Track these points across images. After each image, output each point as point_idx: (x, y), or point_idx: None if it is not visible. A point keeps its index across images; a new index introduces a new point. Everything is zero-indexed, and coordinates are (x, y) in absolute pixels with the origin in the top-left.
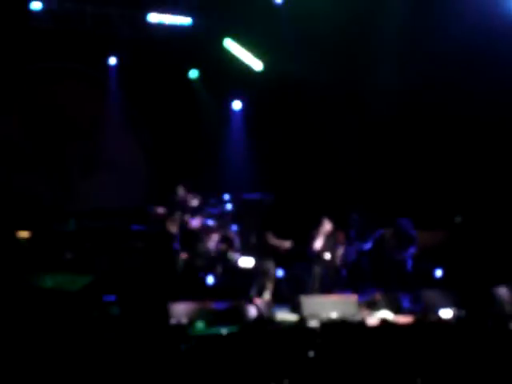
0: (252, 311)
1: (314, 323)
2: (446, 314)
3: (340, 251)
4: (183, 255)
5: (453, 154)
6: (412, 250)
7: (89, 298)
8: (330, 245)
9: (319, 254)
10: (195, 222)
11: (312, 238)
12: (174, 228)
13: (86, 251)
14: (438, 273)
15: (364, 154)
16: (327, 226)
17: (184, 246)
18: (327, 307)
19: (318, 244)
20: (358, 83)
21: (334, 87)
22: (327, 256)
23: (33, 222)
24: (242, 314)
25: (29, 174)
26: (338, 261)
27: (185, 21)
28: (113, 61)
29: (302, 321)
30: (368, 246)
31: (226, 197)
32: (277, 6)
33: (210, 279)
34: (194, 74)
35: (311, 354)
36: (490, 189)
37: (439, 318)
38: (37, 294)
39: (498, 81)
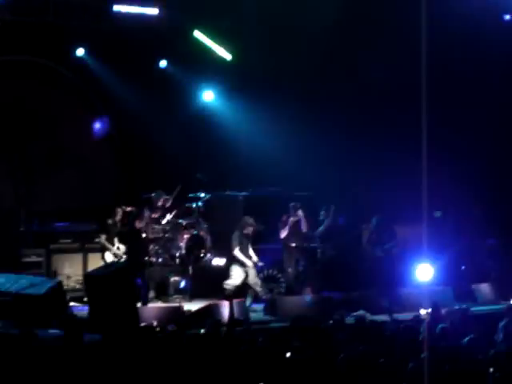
0: (224, 312)
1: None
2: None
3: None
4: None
5: (432, 148)
6: (393, 246)
7: (55, 301)
8: (295, 234)
9: (286, 243)
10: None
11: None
12: (142, 227)
13: (50, 252)
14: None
15: (342, 147)
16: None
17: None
18: (302, 307)
19: (285, 233)
20: (328, 71)
21: (302, 75)
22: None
23: None
24: (214, 315)
25: None
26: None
27: (151, 11)
28: (80, 52)
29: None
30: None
31: (198, 194)
32: None
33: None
34: (163, 64)
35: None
36: (470, 184)
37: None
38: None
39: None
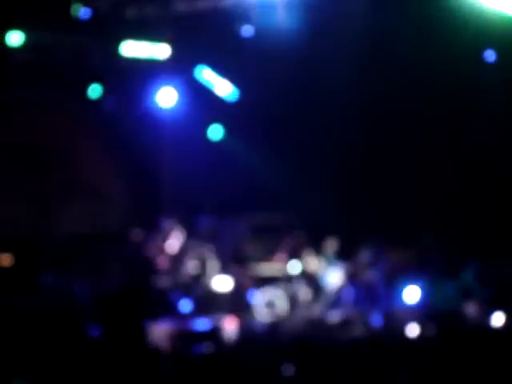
0: (230, 332)
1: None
2: (415, 331)
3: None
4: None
5: (423, 171)
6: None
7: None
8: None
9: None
10: (173, 245)
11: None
12: (151, 252)
13: (66, 276)
14: (408, 291)
15: (333, 174)
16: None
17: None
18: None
19: (281, 258)
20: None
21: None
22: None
23: (13, 249)
24: (219, 335)
25: (8, 203)
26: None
27: (160, 52)
28: (91, 91)
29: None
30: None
31: (202, 217)
32: (245, 39)
33: (187, 305)
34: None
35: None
36: (460, 207)
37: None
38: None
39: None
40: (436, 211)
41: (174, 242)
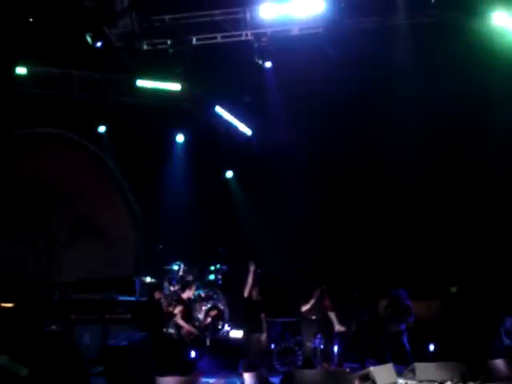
0: None
1: None
2: None
3: (331, 316)
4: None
5: (448, 223)
6: (408, 321)
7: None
8: (317, 308)
9: (306, 316)
10: (186, 294)
11: (302, 301)
12: (161, 298)
13: (71, 323)
14: (432, 347)
15: (357, 224)
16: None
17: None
18: (319, 380)
19: (307, 307)
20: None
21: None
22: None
23: (17, 293)
24: None
25: (15, 243)
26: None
27: (174, 87)
28: (102, 129)
29: None
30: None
31: (216, 267)
32: (266, 71)
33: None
34: (181, 139)
35: None
36: (485, 259)
37: None
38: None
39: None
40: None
41: (187, 292)
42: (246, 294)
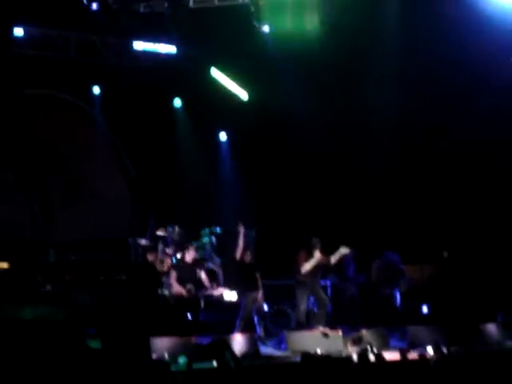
0: (236, 345)
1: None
2: (431, 350)
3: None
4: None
5: (441, 188)
6: (401, 283)
7: (71, 330)
8: (318, 270)
9: (306, 278)
10: (189, 256)
11: (301, 260)
12: (156, 261)
13: (66, 283)
14: (425, 309)
15: (351, 187)
16: (318, 250)
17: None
18: (312, 342)
19: (308, 267)
20: (344, 113)
21: (320, 117)
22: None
23: (12, 252)
24: (224, 349)
25: (9, 204)
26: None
27: (170, 49)
28: (97, 90)
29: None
30: (361, 278)
31: (210, 229)
32: (264, 35)
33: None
34: (177, 102)
35: None
36: (477, 224)
37: (425, 355)
38: (16, 325)
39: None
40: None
41: (188, 253)
42: (237, 256)
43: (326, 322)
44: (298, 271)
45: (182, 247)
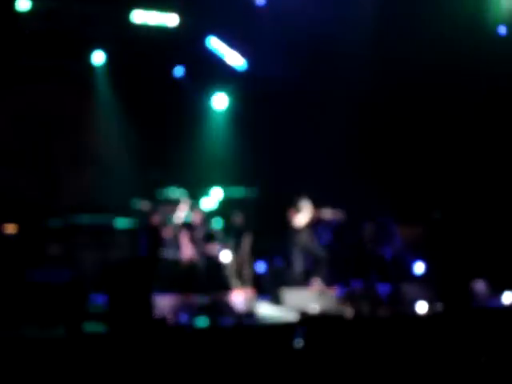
0: (235, 304)
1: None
2: (423, 307)
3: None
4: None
5: (431, 148)
6: (393, 244)
7: (76, 291)
8: (310, 226)
9: (298, 235)
10: (196, 217)
11: (291, 217)
12: (158, 222)
13: (72, 246)
14: (417, 267)
15: (342, 149)
16: (307, 206)
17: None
18: (308, 300)
19: (299, 222)
20: (336, 81)
21: (313, 85)
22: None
23: (19, 217)
24: (223, 307)
25: (15, 170)
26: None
27: (170, 20)
28: (97, 58)
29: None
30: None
31: (209, 192)
32: (258, 7)
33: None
34: (178, 71)
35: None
36: (469, 184)
37: (416, 312)
38: (23, 287)
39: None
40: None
41: (181, 214)
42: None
43: (323, 277)
44: (291, 228)
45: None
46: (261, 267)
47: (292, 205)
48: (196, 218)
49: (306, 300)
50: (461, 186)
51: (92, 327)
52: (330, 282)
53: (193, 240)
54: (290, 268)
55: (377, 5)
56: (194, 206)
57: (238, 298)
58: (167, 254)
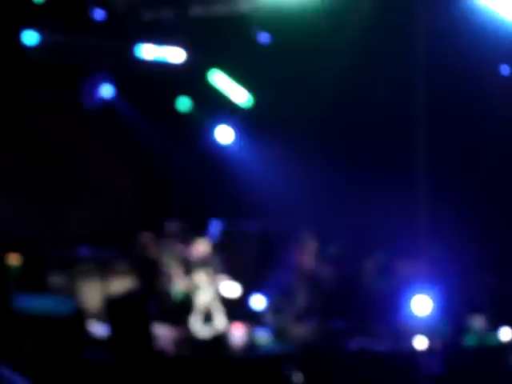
0: (237, 338)
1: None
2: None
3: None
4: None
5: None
6: (392, 281)
7: (78, 323)
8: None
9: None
10: (196, 251)
11: (295, 255)
12: (157, 254)
13: (73, 277)
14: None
15: (343, 186)
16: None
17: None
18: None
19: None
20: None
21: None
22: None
23: (22, 248)
24: (226, 340)
25: (21, 202)
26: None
27: (175, 56)
28: (105, 92)
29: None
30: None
31: (213, 225)
32: (262, 45)
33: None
34: (184, 104)
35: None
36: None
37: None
38: (25, 318)
39: None
40: (448, 223)
41: (183, 247)
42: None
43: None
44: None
45: (186, 242)
46: (261, 301)
47: (297, 240)
48: (195, 252)
49: (307, 333)
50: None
51: (93, 358)
52: (329, 315)
53: (191, 272)
54: (292, 301)
55: None
56: (195, 238)
57: (238, 330)
58: (166, 285)
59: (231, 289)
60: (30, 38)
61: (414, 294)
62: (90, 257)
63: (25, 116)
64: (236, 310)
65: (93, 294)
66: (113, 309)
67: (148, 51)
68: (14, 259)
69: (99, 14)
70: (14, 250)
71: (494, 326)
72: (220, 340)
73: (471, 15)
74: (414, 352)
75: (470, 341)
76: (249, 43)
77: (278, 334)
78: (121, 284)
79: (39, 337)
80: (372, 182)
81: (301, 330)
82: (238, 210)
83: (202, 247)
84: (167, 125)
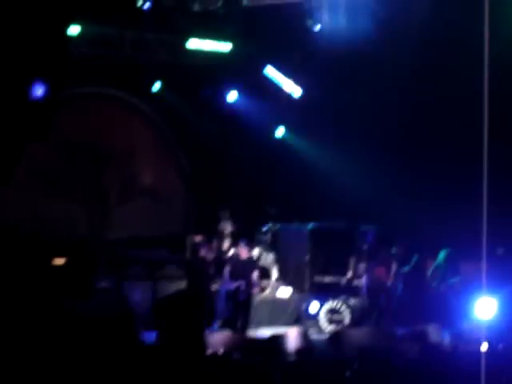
0: (292, 342)
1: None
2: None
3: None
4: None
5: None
6: (455, 282)
7: (124, 327)
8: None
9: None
10: (243, 252)
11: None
12: (210, 256)
13: (122, 280)
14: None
15: (406, 183)
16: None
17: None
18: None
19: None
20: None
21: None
22: None
23: (69, 249)
24: (280, 345)
25: (67, 202)
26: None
27: (224, 48)
28: (154, 88)
29: None
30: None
31: (267, 225)
32: (314, 34)
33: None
34: (232, 96)
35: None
36: None
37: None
38: (70, 320)
39: None
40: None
41: (235, 249)
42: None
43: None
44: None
45: (236, 243)
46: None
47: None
48: (243, 254)
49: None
50: None
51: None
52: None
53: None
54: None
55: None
56: (247, 240)
57: (293, 334)
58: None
59: (284, 291)
60: (74, 30)
61: (478, 297)
62: (139, 259)
63: (72, 115)
64: (292, 313)
65: (143, 296)
66: (163, 311)
67: (197, 43)
68: (60, 261)
69: (147, 5)
70: (61, 251)
71: None
72: (276, 343)
73: None
74: (478, 357)
75: None
76: (303, 34)
77: (335, 337)
78: (171, 287)
79: (88, 340)
80: (437, 183)
81: (358, 334)
82: (293, 210)
83: (253, 249)
84: (217, 119)
